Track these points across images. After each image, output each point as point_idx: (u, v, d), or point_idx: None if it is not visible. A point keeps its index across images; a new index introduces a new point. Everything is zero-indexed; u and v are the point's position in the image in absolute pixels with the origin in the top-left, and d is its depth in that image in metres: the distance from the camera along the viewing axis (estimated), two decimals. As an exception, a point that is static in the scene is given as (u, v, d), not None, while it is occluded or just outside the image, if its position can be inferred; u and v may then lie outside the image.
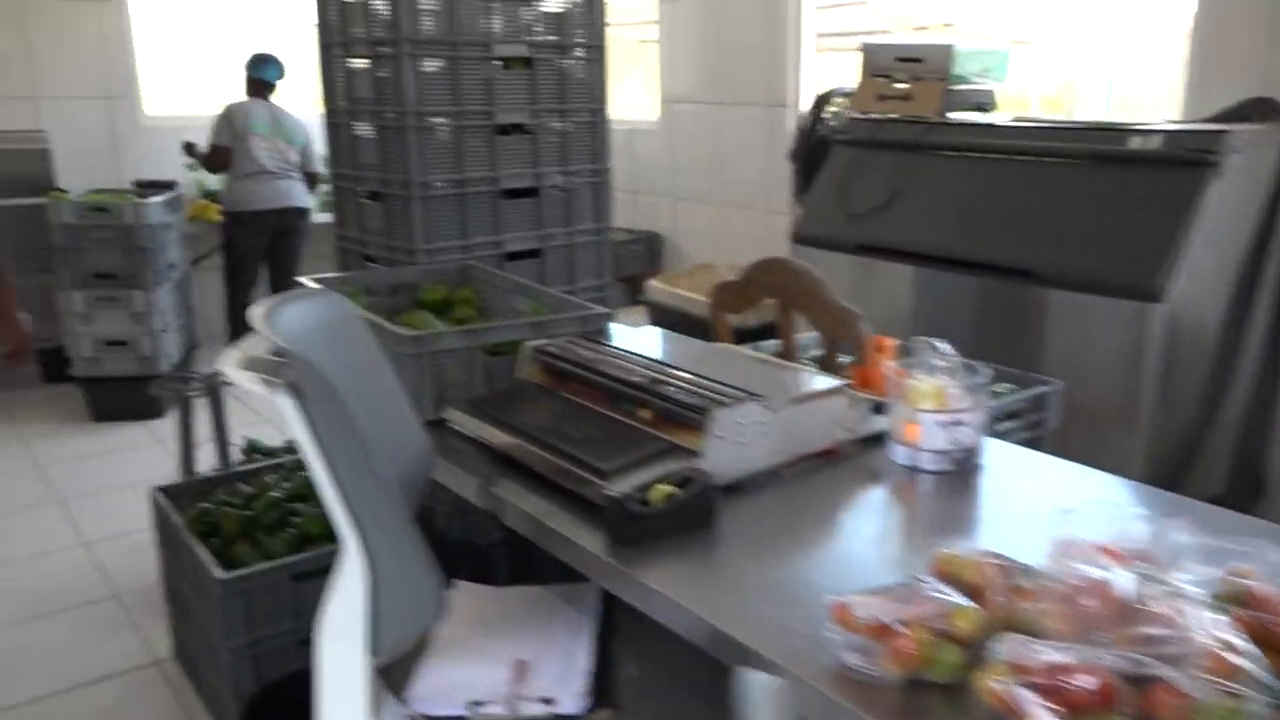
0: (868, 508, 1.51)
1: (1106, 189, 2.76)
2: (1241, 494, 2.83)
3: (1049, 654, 0.91)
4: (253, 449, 3.22)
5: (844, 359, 2.02)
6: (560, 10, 2.47)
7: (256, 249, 5.01)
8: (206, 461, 3.13)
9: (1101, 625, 0.95)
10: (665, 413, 1.52)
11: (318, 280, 2.10)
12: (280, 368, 1.08)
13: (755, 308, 2.19)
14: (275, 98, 5.01)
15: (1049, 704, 0.88)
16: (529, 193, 2.51)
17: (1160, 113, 3.57)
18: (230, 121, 4.81)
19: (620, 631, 1.50)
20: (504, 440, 1.57)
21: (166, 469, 3.91)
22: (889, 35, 4.65)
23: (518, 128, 2.48)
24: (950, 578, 1.10)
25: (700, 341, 2.01)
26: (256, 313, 1.15)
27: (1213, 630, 0.90)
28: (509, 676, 1.34)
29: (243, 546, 2.33)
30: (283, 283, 5.16)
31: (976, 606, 1.02)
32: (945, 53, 3.34)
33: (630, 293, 4.99)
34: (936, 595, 1.03)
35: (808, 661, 1.06)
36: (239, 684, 2.16)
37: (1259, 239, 2.76)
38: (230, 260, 5.02)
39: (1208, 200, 2.54)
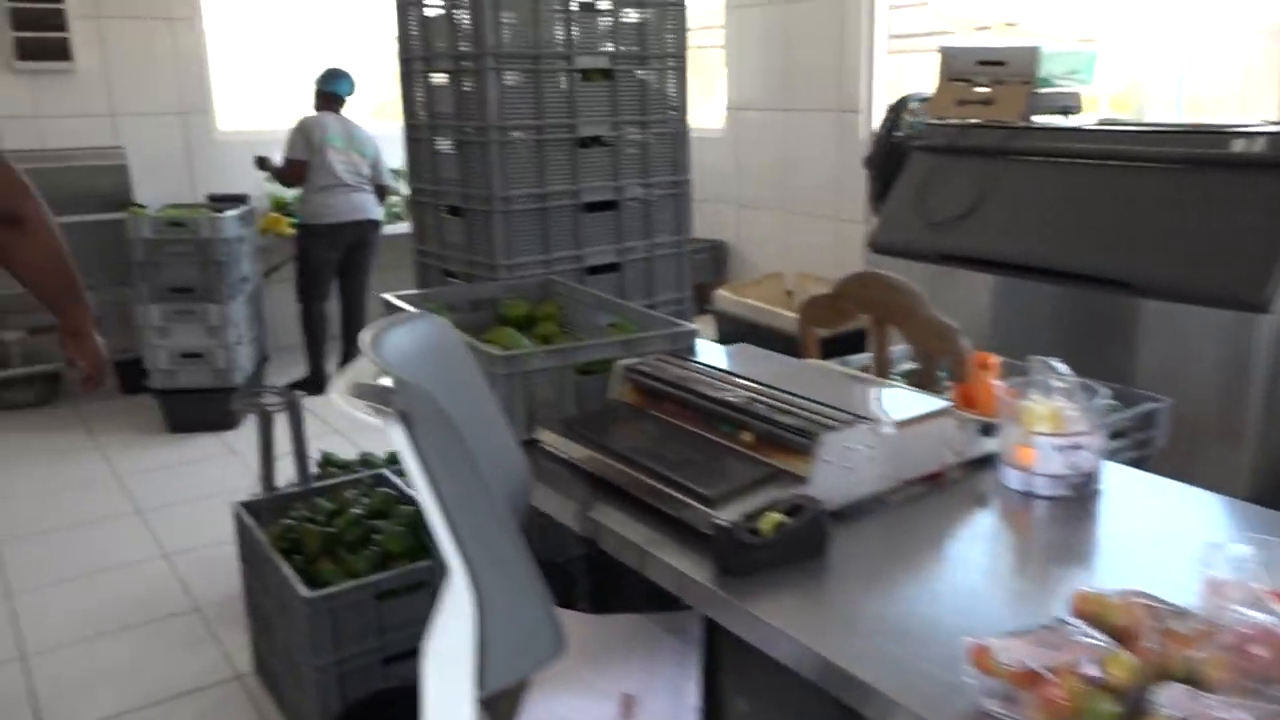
0: (982, 536, 1.44)
1: (1206, 194, 2.64)
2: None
3: (1224, 709, 0.84)
4: (327, 462, 3.23)
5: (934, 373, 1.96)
6: (640, 20, 2.44)
7: (331, 261, 5.06)
8: (282, 474, 3.15)
9: (1277, 677, 0.87)
10: (768, 436, 1.47)
11: (401, 298, 2.09)
12: (390, 395, 1.05)
13: (845, 322, 2.13)
14: (345, 111, 5.07)
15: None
16: (609, 206, 2.47)
17: (1233, 113, 3.43)
18: (307, 135, 4.87)
19: (725, 663, 1.45)
20: (600, 463, 1.53)
21: (241, 480, 3.96)
22: (951, 36, 4.56)
23: (596, 140, 2.45)
24: (1094, 619, 1.03)
25: (789, 358, 1.96)
26: (364, 338, 1.12)
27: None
28: (616, 712, 1.30)
29: (326, 564, 2.32)
30: (353, 295, 5.21)
31: (1129, 653, 0.96)
32: (1030, 55, 3.24)
33: (697, 302, 4.94)
34: (1086, 640, 0.96)
35: (941, 706, 1.00)
36: (325, 702, 2.15)
37: (1372, 245, 2.62)
38: (305, 273, 5.07)
39: (1318, 205, 2.42)
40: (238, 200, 5.11)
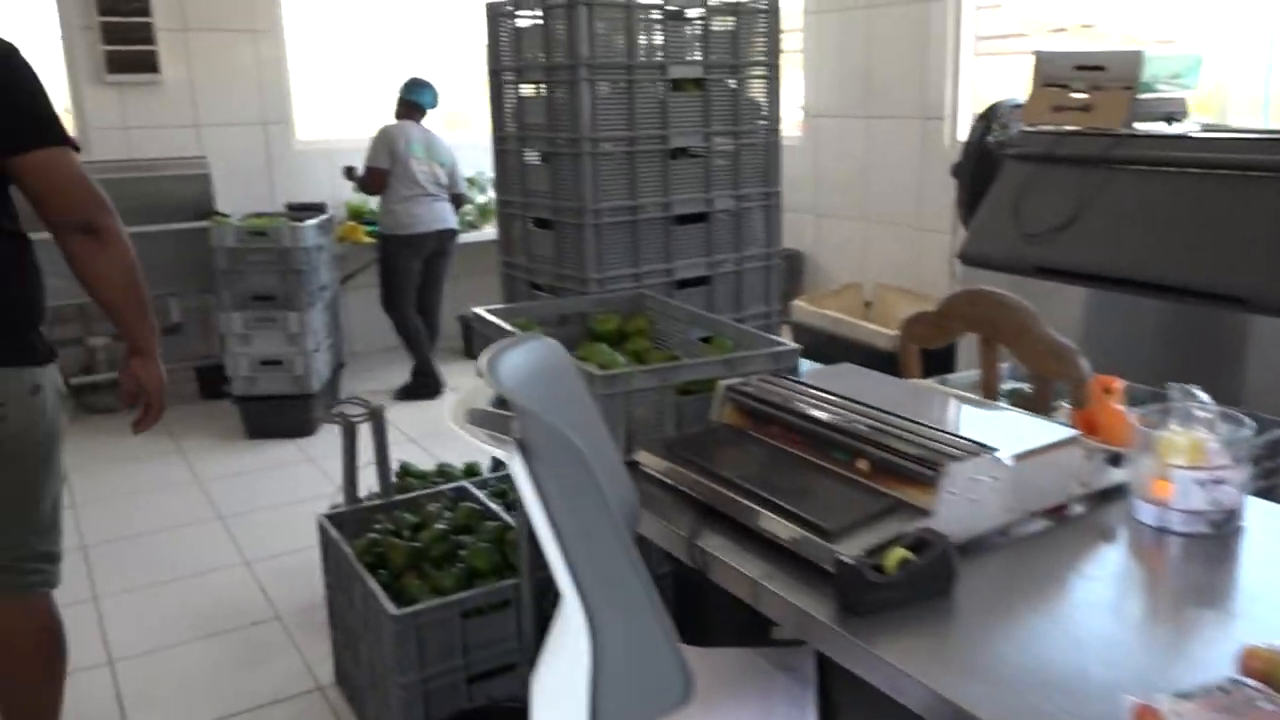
0: (1116, 575, 1.35)
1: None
2: None
3: None
4: (405, 472, 3.22)
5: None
6: (732, 29, 2.38)
7: (415, 270, 5.12)
8: (360, 484, 3.15)
9: None
10: (885, 464, 1.39)
11: (492, 312, 2.05)
12: (510, 423, 1.01)
13: (948, 340, 2.05)
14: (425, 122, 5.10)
15: None
16: (698, 218, 2.42)
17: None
18: (390, 144, 4.90)
19: (844, 705, 1.38)
20: (706, 488, 1.47)
21: (318, 487, 3.98)
22: (1026, 39, 4.45)
23: (683, 151, 2.40)
24: (1267, 678, 0.94)
25: (894, 379, 1.88)
26: (481, 362, 1.08)
27: None
28: (731, 755, 1.24)
29: (411, 579, 2.30)
30: (430, 302, 5.27)
31: (1321, 721, 0.87)
32: (1132, 60, 3.10)
33: (775, 313, 4.86)
34: (1270, 708, 0.87)
35: (1100, 770, 0.92)
36: (410, 721, 2.12)
37: None
38: (391, 282, 5.13)
39: None
40: (316, 209, 5.17)
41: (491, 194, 5.82)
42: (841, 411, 1.53)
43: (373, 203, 5.32)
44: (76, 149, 1.89)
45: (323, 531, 2.54)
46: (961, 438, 1.40)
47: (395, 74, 5.21)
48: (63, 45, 5.14)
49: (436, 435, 4.61)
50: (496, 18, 2.38)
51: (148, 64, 5.19)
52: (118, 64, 5.13)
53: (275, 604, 3.12)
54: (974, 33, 4.36)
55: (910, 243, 4.65)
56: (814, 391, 1.64)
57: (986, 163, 3.56)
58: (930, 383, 1.95)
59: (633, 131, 2.26)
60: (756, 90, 2.45)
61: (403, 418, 4.70)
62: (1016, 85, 4.24)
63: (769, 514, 1.36)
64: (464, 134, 5.72)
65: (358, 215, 5.68)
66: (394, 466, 3.16)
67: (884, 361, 2.06)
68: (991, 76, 4.43)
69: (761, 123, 2.48)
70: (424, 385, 5.19)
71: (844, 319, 4.34)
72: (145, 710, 2.60)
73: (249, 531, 3.65)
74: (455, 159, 5.12)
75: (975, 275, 3.32)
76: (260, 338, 4.53)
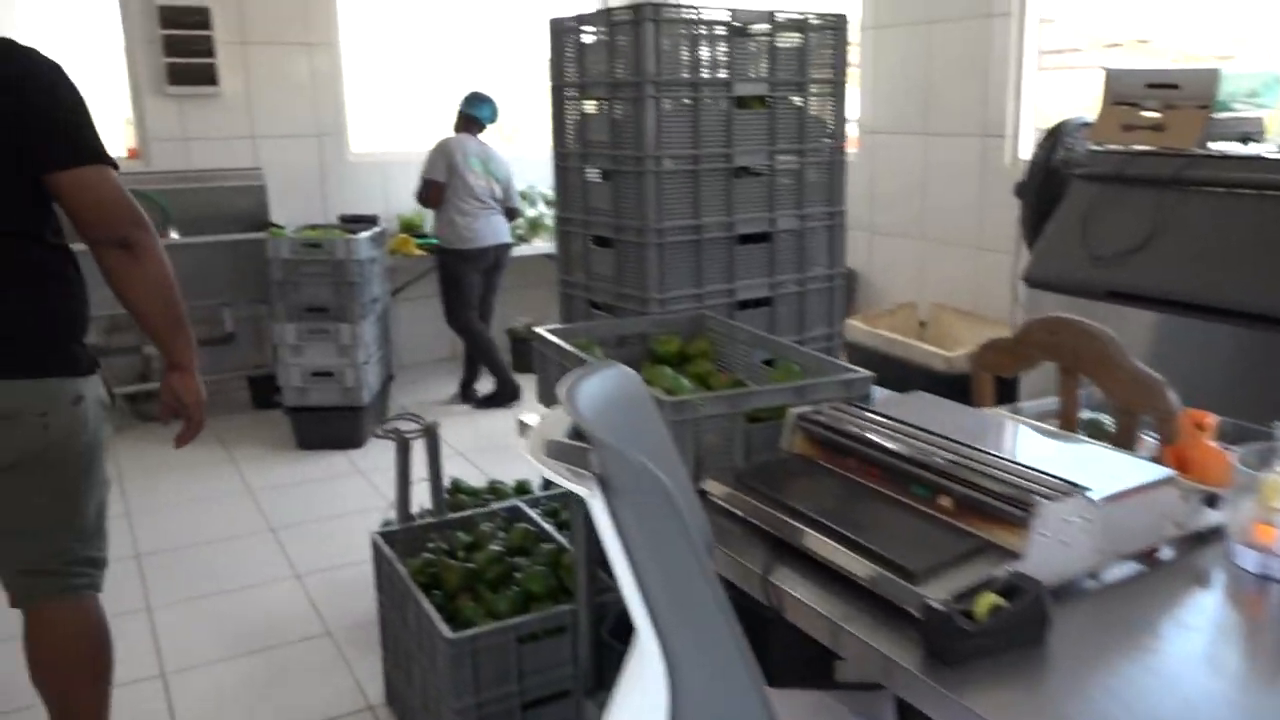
0: (1218, 626, 1.28)
1: None
2: None
3: None
4: (457, 489, 3.20)
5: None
6: (799, 45, 2.34)
7: (476, 283, 5.15)
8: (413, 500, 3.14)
9: None
10: (970, 502, 1.33)
11: (553, 332, 2.02)
12: (587, 455, 0.97)
13: (1023, 368, 1.98)
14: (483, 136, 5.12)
15: None
16: (761, 238, 2.37)
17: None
18: (449, 157, 4.92)
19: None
20: (779, 521, 1.42)
21: (368, 500, 3.98)
22: (1080, 54, 4.35)
23: (746, 169, 2.35)
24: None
25: (969, 409, 1.81)
26: (560, 392, 1.04)
27: None
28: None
29: (465, 602, 2.27)
30: (482, 315, 5.30)
31: None
32: (1208, 78, 3.01)
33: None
34: None
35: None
36: (463, 746, 2.09)
37: None
38: (454, 296, 5.15)
39: None
40: (369, 221, 5.20)
41: (542, 208, 5.83)
42: (919, 444, 1.47)
43: (429, 215, 5.34)
44: (115, 166, 1.90)
45: (376, 550, 2.52)
46: (1051, 475, 1.33)
47: (449, 87, 5.23)
48: (126, 58, 5.23)
49: (487, 450, 4.59)
50: (560, 33, 2.35)
51: (207, 76, 5.26)
52: (178, 76, 5.21)
53: (325, 619, 3.10)
54: (1036, 49, 4.27)
55: (968, 262, 4.55)
56: (889, 422, 1.58)
57: (1052, 182, 3.47)
58: (1004, 411, 1.89)
59: (697, 149, 2.22)
60: (822, 107, 2.40)
61: (450, 431, 4.69)
62: (1072, 101, 4.16)
63: (846, 550, 1.30)
64: (516, 147, 5.73)
65: (410, 228, 5.70)
66: (446, 483, 3.14)
67: (939, 383, 2.01)
68: (1048, 92, 4.33)
69: (827, 141, 2.42)
70: (501, 395, 5.24)
71: (899, 339, 4.26)
72: (196, 724, 2.60)
73: (299, 544, 3.65)
74: (511, 173, 5.13)
75: (1039, 298, 3.23)
76: (312, 349, 4.55)
